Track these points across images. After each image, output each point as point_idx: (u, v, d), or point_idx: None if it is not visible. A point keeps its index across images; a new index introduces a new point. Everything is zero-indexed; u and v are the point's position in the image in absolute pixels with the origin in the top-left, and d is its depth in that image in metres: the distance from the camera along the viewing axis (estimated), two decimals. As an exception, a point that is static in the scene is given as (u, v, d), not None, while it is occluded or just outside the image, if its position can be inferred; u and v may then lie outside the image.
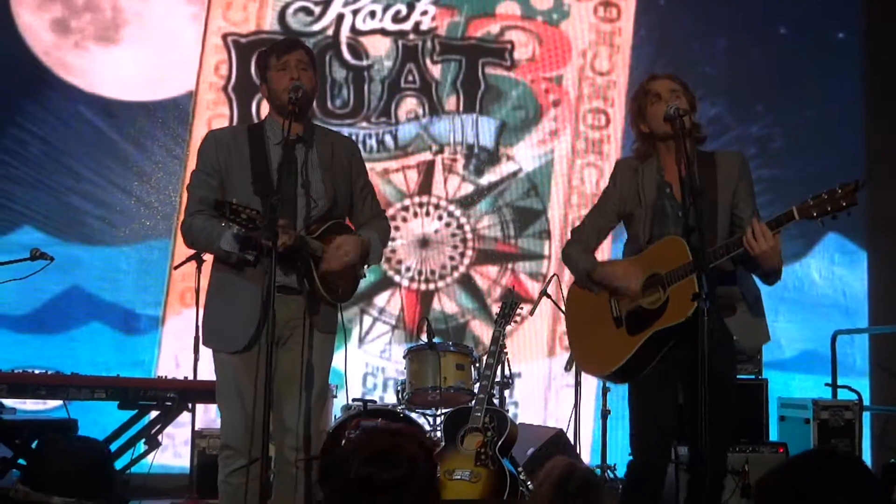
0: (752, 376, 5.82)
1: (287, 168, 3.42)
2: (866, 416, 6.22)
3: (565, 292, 4.00)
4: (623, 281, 3.44)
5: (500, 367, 5.27)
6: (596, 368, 3.69)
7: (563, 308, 3.83)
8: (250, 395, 3.38)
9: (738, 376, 5.67)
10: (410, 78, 6.72)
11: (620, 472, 5.25)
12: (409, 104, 6.71)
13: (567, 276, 4.03)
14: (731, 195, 3.48)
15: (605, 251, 4.32)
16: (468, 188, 6.72)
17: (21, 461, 4.71)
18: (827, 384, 6.30)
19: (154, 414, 5.04)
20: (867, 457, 6.34)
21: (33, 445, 4.69)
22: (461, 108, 6.73)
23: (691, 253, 3.29)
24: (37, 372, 4.85)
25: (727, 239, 3.36)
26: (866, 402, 6.33)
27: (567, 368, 5.28)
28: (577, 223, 3.77)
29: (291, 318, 3.48)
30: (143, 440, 5.03)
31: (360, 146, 5.77)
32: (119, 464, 4.97)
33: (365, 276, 3.75)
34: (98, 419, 5.28)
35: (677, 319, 3.32)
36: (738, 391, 5.59)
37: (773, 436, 5.88)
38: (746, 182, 3.52)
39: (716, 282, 3.23)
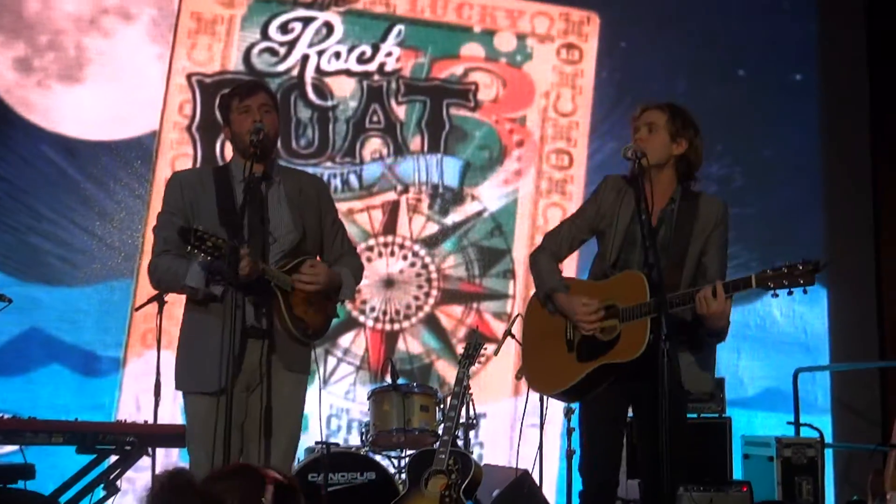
0: (716, 415, 5.85)
1: (251, 207, 3.43)
2: (829, 453, 6.27)
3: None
4: (579, 311, 3.47)
5: (464, 408, 5.26)
6: (541, 386, 3.77)
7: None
8: (220, 439, 3.34)
9: (703, 415, 5.79)
10: (375, 118, 6.74)
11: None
12: (374, 144, 6.74)
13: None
14: (702, 243, 3.52)
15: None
16: (433, 228, 6.73)
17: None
18: (789, 422, 6.34)
19: (113, 458, 4.96)
20: (830, 494, 6.37)
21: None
22: (426, 149, 6.77)
23: (653, 291, 3.34)
24: (-8, 416, 4.76)
25: (689, 288, 3.40)
26: (828, 439, 6.37)
27: (518, 377, 5.30)
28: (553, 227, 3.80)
29: (264, 364, 3.46)
30: (102, 485, 4.94)
31: (325, 186, 5.78)
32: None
33: (339, 317, 3.75)
34: (56, 463, 5.18)
35: (625, 357, 3.37)
36: (701, 430, 5.70)
37: (738, 474, 5.91)
38: (720, 233, 3.55)
39: (675, 324, 3.27)
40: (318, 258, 3.71)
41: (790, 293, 3.20)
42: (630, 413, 3.65)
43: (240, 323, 3.39)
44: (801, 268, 3.18)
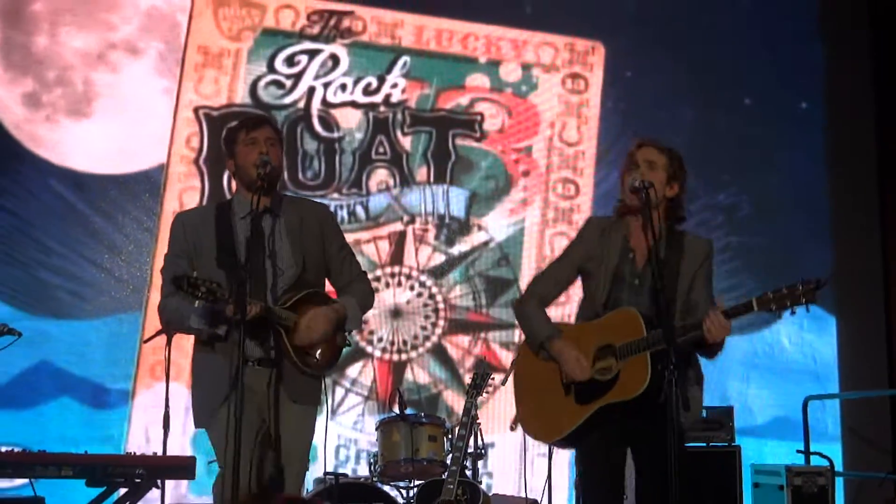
0: (725, 444, 5.83)
1: (254, 241, 3.45)
2: (839, 481, 6.23)
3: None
4: (572, 367, 3.45)
5: (472, 438, 5.25)
6: (541, 434, 3.70)
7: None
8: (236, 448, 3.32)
9: (712, 444, 5.77)
10: (381, 149, 6.78)
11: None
12: (380, 175, 6.77)
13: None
14: (689, 280, 3.52)
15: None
16: (439, 258, 6.75)
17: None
18: (799, 451, 6.30)
19: (122, 491, 4.95)
20: (841, 523, 6.33)
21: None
22: (432, 179, 6.79)
23: (648, 327, 3.33)
24: (2, 449, 4.76)
25: (683, 321, 3.39)
26: (839, 467, 6.33)
27: (512, 428, 5.25)
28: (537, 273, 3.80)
29: (271, 394, 3.49)
30: (111, 518, 4.94)
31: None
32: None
33: (350, 346, 3.76)
34: (66, 496, 5.17)
35: (627, 395, 3.35)
36: (711, 458, 5.68)
37: (748, 503, 5.87)
38: (706, 270, 3.56)
39: (676, 357, 3.26)
40: (324, 286, 3.73)
41: (793, 312, 3.19)
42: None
43: (244, 359, 3.40)
44: (801, 287, 3.18)
